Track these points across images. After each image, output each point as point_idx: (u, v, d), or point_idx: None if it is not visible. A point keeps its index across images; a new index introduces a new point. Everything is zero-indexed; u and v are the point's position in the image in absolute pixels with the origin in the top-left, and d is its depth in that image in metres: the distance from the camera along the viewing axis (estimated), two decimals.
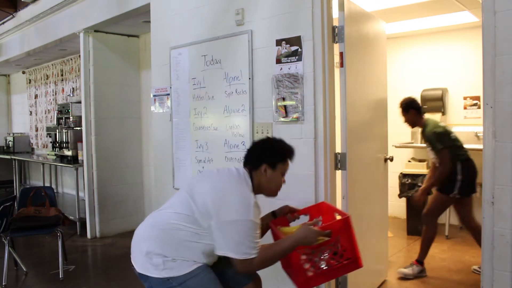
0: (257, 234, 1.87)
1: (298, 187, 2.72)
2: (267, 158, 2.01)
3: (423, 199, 3.67)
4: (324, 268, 1.99)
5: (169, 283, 1.85)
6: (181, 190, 2.05)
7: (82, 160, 5.17)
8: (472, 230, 3.51)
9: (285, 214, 2.29)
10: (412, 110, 3.62)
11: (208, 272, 1.93)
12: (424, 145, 5.06)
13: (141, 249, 1.93)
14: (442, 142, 3.44)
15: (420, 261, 3.53)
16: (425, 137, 3.59)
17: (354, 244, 2.01)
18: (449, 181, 3.41)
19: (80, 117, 5.44)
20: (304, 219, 2.34)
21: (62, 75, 7.04)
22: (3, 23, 6.77)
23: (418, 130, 5.17)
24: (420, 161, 4.98)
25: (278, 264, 2.11)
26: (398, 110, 3.68)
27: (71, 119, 5.81)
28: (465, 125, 4.98)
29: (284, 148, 2.08)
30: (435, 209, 3.57)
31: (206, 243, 1.88)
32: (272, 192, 2.08)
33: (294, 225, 2.22)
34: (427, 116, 3.81)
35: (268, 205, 2.25)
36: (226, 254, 1.85)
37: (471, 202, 3.56)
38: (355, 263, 2.03)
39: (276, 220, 2.26)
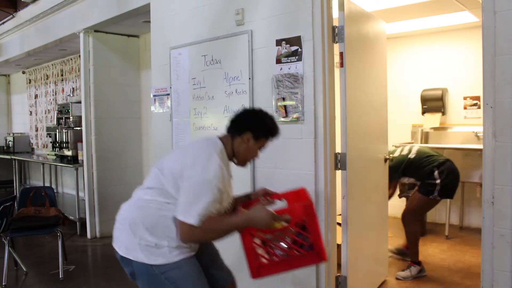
0: (213, 201, 1.74)
1: (298, 187, 2.72)
2: (254, 129, 1.95)
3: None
4: (281, 256, 1.83)
5: (152, 270, 1.80)
6: (152, 168, 2.00)
7: (82, 160, 5.17)
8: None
9: (259, 197, 2.13)
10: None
11: (192, 264, 1.87)
12: (424, 145, 5.10)
13: (122, 228, 1.90)
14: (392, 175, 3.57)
15: (416, 262, 3.52)
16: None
17: (317, 234, 1.85)
18: (429, 184, 3.46)
19: (80, 117, 5.44)
20: (281, 205, 2.10)
21: (62, 75, 7.04)
22: (3, 23, 6.77)
23: (418, 130, 5.20)
24: None
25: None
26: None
27: (71, 119, 5.81)
28: (465, 125, 4.99)
29: (273, 127, 2.01)
30: (416, 209, 3.59)
31: None
32: (244, 161, 2.01)
33: None
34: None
35: None
36: (177, 215, 1.75)
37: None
38: (318, 255, 1.86)
39: (248, 202, 2.09)
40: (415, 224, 3.58)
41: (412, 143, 5.17)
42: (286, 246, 1.82)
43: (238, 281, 2.20)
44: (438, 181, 3.42)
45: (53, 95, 7.36)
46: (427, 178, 3.47)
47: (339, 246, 2.93)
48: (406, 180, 3.75)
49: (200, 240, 1.87)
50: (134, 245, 1.84)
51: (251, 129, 1.95)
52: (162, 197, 1.84)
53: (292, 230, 1.82)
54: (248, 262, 1.84)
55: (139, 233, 1.83)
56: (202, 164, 1.78)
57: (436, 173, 3.44)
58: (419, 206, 3.56)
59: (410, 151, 3.64)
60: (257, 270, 1.83)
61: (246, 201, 2.12)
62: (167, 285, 1.80)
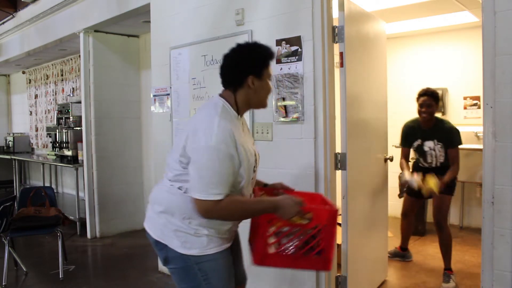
0: (223, 167, 1.58)
1: (298, 187, 2.70)
2: (251, 70, 1.73)
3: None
4: (290, 252, 1.77)
5: (188, 260, 1.72)
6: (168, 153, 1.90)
7: (82, 160, 5.17)
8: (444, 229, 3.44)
9: (276, 189, 2.03)
10: (438, 104, 3.52)
11: (227, 259, 1.80)
12: None
13: (157, 211, 1.79)
14: (460, 140, 3.41)
15: (450, 268, 3.40)
16: (444, 131, 3.42)
17: (331, 243, 1.78)
18: (452, 181, 3.40)
19: (80, 117, 5.44)
20: None
21: (62, 75, 7.04)
22: (3, 23, 6.77)
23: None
24: None
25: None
26: (420, 99, 3.46)
27: (71, 119, 5.81)
28: (465, 125, 4.98)
29: (265, 52, 1.77)
30: (447, 212, 3.49)
31: None
32: (262, 101, 1.82)
33: None
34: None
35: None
36: (191, 194, 1.63)
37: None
38: (323, 263, 1.80)
39: (264, 189, 2.03)
40: (449, 227, 3.49)
41: None
42: (297, 243, 1.78)
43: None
44: (455, 177, 3.42)
45: (53, 95, 7.36)
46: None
47: (339, 246, 2.93)
48: (432, 144, 3.46)
49: (223, 218, 1.71)
50: (169, 231, 1.74)
51: (248, 72, 1.74)
52: (184, 180, 1.71)
53: (309, 231, 1.77)
54: (256, 247, 1.79)
55: (175, 221, 1.73)
56: (203, 131, 1.62)
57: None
58: (447, 207, 3.46)
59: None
60: (262, 258, 1.78)
61: (262, 186, 2.03)
62: (198, 276, 1.73)
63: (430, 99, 3.42)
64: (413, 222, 3.99)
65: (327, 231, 1.77)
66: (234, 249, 1.95)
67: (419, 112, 3.48)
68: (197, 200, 1.61)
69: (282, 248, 1.78)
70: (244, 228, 1.93)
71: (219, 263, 1.77)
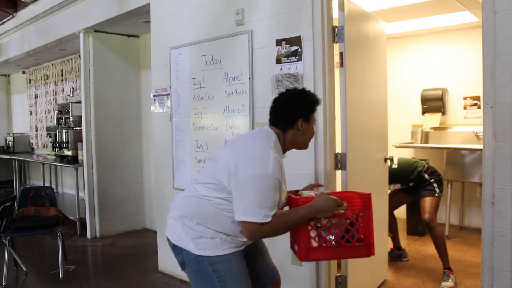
0: (275, 194, 1.72)
1: (298, 187, 2.72)
2: (302, 113, 1.91)
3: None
4: (332, 242, 1.84)
5: (202, 261, 1.80)
6: (207, 161, 1.98)
7: (82, 160, 5.17)
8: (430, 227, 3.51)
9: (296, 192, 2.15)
10: None
11: (240, 261, 1.87)
12: (424, 145, 5.10)
13: (177, 217, 1.89)
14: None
15: (449, 267, 3.40)
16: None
17: (371, 227, 1.85)
18: (427, 185, 3.56)
19: (80, 117, 5.44)
20: None
21: (62, 75, 7.04)
22: (3, 23, 6.77)
23: (418, 130, 5.21)
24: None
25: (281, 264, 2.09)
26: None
27: (71, 119, 5.82)
28: (465, 125, 4.99)
29: (314, 98, 1.96)
30: (432, 211, 3.51)
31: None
32: (306, 143, 2.00)
33: None
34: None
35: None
36: (239, 218, 1.73)
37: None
38: (367, 248, 1.86)
39: (297, 194, 2.11)
40: (439, 226, 3.51)
41: (412, 143, 5.18)
42: (337, 233, 1.83)
43: None
44: (432, 179, 3.56)
45: (53, 95, 7.36)
46: (421, 182, 3.59)
47: None
48: (392, 186, 3.78)
49: (268, 236, 1.82)
50: (186, 234, 1.84)
51: (300, 116, 1.90)
52: (219, 192, 1.81)
53: (347, 219, 1.83)
54: (300, 243, 1.84)
55: (192, 225, 1.83)
56: (260, 159, 1.75)
57: (426, 176, 3.58)
58: (432, 207, 3.52)
59: (392, 161, 3.68)
60: (307, 253, 1.84)
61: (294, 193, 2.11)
62: (213, 278, 1.80)
63: None
64: (395, 218, 3.94)
65: (364, 216, 1.84)
66: (256, 250, 2.02)
67: None
68: (247, 222, 1.72)
69: (324, 240, 1.84)
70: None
71: (233, 265, 1.83)
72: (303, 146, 2.01)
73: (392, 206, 3.77)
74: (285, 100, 1.97)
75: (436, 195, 3.52)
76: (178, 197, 2.00)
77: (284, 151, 1.95)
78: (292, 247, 2.03)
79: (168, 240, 1.93)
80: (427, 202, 3.52)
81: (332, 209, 1.78)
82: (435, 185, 3.55)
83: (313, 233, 1.83)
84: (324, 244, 1.84)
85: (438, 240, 3.43)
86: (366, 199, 1.87)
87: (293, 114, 1.91)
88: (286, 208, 1.97)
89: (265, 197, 1.70)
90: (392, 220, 3.84)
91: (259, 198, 1.70)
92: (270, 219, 1.70)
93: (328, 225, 1.83)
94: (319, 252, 1.85)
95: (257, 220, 1.69)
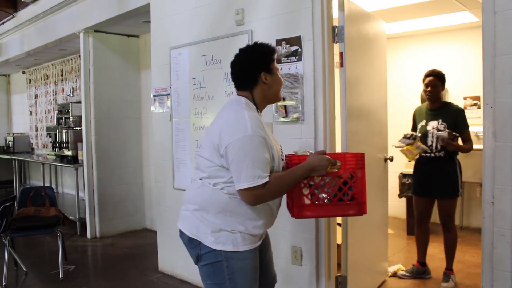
0: (263, 152, 1.70)
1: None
2: (261, 67, 1.86)
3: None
4: (325, 201, 1.86)
5: (219, 255, 1.77)
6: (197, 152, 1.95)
7: (82, 160, 5.17)
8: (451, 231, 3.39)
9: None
10: (444, 85, 3.54)
11: (255, 260, 1.85)
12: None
13: (191, 209, 1.85)
14: (467, 122, 3.42)
15: (451, 268, 3.38)
16: (450, 112, 3.41)
17: (363, 186, 1.87)
18: (453, 183, 3.33)
19: (80, 117, 5.44)
20: None
21: (62, 75, 7.04)
22: (3, 23, 6.77)
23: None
24: None
25: (280, 264, 2.08)
26: (426, 79, 3.50)
27: (71, 119, 5.82)
28: None
29: (268, 48, 1.90)
30: (453, 214, 3.42)
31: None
32: (277, 94, 1.95)
33: None
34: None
35: None
36: (238, 186, 1.71)
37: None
38: (359, 206, 1.89)
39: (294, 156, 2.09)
40: (456, 228, 3.43)
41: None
42: (330, 191, 1.85)
43: None
44: (459, 174, 3.36)
45: (53, 95, 7.36)
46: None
47: (339, 246, 2.93)
48: (436, 123, 3.38)
49: (269, 199, 1.81)
50: (205, 227, 1.80)
51: (261, 69, 1.86)
52: (221, 178, 1.78)
53: (340, 177, 1.85)
54: (293, 200, 1.85)
55: (210, 218, 1.79)
56: (236, 125, 1.73)
57: (457, 166, 3.38)
58: (454, 208, 3.41)
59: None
60: (299, 210, 1.85)
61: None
62: (224, 273, 1.78)
63: (436, 80, 3.47)
64: (429, 229, 3.54)
65: (357, 176, 1.86)
66: (264, 253, 2.00)
67: (425, 92, 3.53)
68: (246, 190, 1.70)
69: (317, 198, 1.86)
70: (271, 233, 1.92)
71: (247, 264, 1.81)
72: (276, 98, 1.97)
73: (421, 216, 3.47)
74: (239, 59, 1.92)
75: (458, 196, 3.36)
76: (190, 189, 1.95)
77: (259, 110, 1.90)
78: (288, 206, 2.04)
79: (182, 233, 1.88)
80: (447, 203, 3.36)
81: (325, 167, 1.80)
82: (459, 182, 3.33)
83: (305, 191, 1.85)
84: (316, 202, 1.87)
85: (452, 242, 3.36)
86: (359, 158, 1.89)
87: (252, 70, 1.87)
88: None
89: (254, 158, 1.68)
90: (423, 230, 3.50)
91: (248, 161, 1.68)
92: (265, 180, 1.69)
93: (321, 183, 1.85)
94: (311, 210, 1.88)
95: (252, 185, 1.68)
